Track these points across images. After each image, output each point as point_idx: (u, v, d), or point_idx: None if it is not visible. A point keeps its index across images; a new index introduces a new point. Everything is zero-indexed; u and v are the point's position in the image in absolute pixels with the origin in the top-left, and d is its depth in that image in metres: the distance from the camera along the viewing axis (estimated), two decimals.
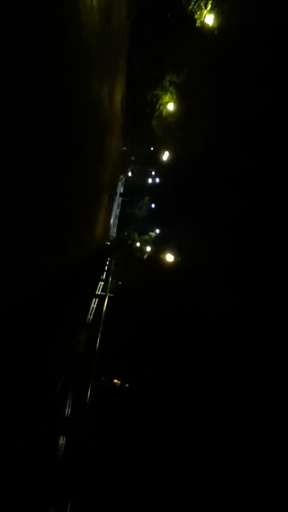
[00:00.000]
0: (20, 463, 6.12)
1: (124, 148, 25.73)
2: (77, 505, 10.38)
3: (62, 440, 10.95)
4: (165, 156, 22.84)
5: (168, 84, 17.62)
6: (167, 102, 18.22)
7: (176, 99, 18.05)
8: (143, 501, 10.70)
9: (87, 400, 13.37)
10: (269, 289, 13.92)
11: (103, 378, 17.29)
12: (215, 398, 12.92)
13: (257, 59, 13.96)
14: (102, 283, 15.92)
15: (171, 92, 17.84)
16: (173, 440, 12.37)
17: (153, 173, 29.45)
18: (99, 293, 15.17)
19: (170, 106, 18.36)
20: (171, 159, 22.53)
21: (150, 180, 30.17)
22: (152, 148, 25.32)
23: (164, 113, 18.52)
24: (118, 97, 15.90)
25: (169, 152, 22.39)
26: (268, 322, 13.94)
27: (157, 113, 18.65)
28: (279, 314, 13.62)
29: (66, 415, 11.91)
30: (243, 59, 15.04)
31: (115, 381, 17.77)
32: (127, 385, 17.65)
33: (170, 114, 18.56)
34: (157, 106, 18.34)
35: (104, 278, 16.63)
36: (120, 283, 20.50)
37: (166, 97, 18.02)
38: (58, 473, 10.24)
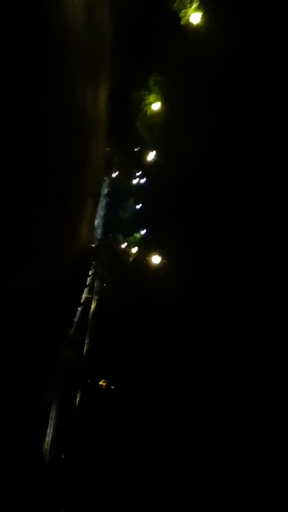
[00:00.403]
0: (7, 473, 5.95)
1: (108, 149, 25.54)
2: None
3: (47, 446, 10.73)
4: (150, 157, 22.72)
5: (152, 84, 17.49)
6: (151, 103, 18.09)
7: (161, 99, 17.94)
8: (138, 502, 10.54)
9: (76, 405, 13.17)
10: (258, 291, 13.88)
11: (89, 381, 17.08)
12: (206, 395, 12.85)
13: (243, 60, 13.94)
14: (88, 286, 15.70)
15: (155, 92, 17.72)
16: (164, 441, 12.24)
17: (137, 174, 29.29)
18: (85, 296, 14.96)
19: (155, 107, 18.23)
20: (156, 160, 22.42)
21: (135, 182, 29.99)
22: (136, 149, 25.19)
23: (148, 113, 18.39)
24: (102, 99, 15.74)
25: (154, 153, 22.28)
26: (256, 320, 13.93)
27: (141, 114, 18.51)
28: (266, 313, 13.61)
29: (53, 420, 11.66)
30: (229, 59, 14.99)
31: (101, 382, 17.58)
32: (112, 387, 17.47)
33: (154, 115, 18.43)
34: (142, 106, 18.19)
35: (89, 281, 16.42)
36: (105, 285, 20.30)
37: (151, 98, 17.89)
38: (47, 480, 10.03)
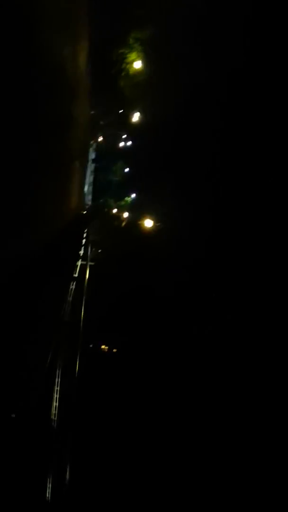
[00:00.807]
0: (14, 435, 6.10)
1: (92, 112, 24.93)
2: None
3: (55, 408, 10.98)
4: (135, 117, 22.23)
5: (133, 41, 16.89)
6: (133, 60, 17.53)
7: (143, 56, 17.39)
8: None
9: (77, 368, 13.39)
10: (251, 247, 13.94)
11: (91, 345, 17.34)
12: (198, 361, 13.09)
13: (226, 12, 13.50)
14: (82, 252, 15.69)
15: (137, 50, 17.14)
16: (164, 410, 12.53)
17: (124, 136, 28.73)
18: (80, 262, 14.98)
19: (137, 65, 17.69)
20: (141, 120, 21.97)
21: (122, 144, 29.45)
22: (121, 110, 24.61)
23: (131, 72, 17.86)
24: (82, 59, 15.22)
25: (139, 113, 21.79)
26: (241, 285, 14.05)
27: (124, 73, 17.97)
28: (251, 276, 13.72)
29: (57, 385, 11.89)
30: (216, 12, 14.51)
31: (103, 347, 17.85)
32: (114, 350, 17.74)
33: (137, 73, 17.91)
34: (124, 65, 17.64)
35: (83, 247, 16.40)
36: (100, 251, 20.31)
37: (132, 55, 17.32)
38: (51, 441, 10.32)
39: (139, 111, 21.81)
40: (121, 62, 17.67)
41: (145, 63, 17.70)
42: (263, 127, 14.22)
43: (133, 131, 24.67)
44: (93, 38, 15.22)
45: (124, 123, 24.54)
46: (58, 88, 9.19)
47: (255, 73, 13.96)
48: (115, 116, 24.69)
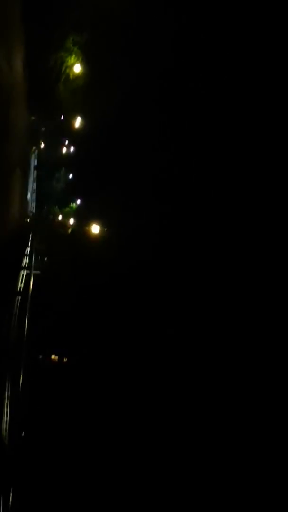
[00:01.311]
0: None
1: (33, 118, 24.36)
2: None
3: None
4: (77, 123, 21.91)
5: (71, 44, 16.61)
6: (72, 64, 17.23)
7: (82, 60, 17.14)
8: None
9: (20, 383, 12.84)
10: (198, 248, 14.03)
11: (40, 357, 16.77)
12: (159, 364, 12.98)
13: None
14: (27, 261, 15.15)
15: (75, 53, 16.87)
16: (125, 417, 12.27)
17: (66, 142, 28.33)
18: (24, 272, 14.43)
19: (77, 68, 17.40)
20: (83, 125, 21.68)
21: (64, 150, 29.02)
22: (62, 116, 24.20)
23: (71, 76, 17.55)
24: (17, 63, 14.72)
25: (81, 118, 21.50)
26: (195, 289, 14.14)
27: (63, 77, 17.63)
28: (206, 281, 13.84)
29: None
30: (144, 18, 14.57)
31: (53, 357, 17.33)
32: (65, 359, 17.26)
33: (77, 77, 17.63)
34: (63, 69, 17.30)
35: (27, 256, 15.86)
36: (45, 259, 19.80)
37: (71, 59, 17.02)
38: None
39: (80, 116, 21.53)
40: (60, 66, 17.34)
41: (84, 67, 17.48)
42: (203, 126, 14.38)
43: (75, 137, 24.34)
44: (29, 41, 14.80)
45: (65, 129, 24.15)
46: None
47: (194, 72, 14.11)
48: (56, 122, 24.26)
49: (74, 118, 22.04)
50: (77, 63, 17.32)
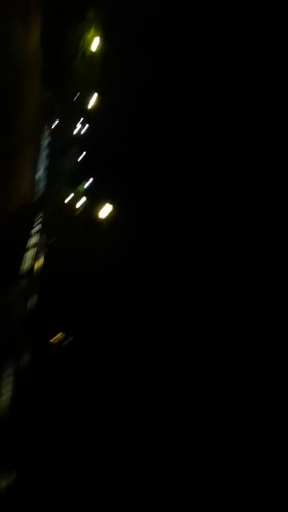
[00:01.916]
0: None
1: (47, 95, 23.95)
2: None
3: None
4: (92, 101, 21.47)
5: (91, 19, 16.10)
6: (90, 40, 16.74)
7: (101, 35, 16.65)
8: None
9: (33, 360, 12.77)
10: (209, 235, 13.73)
11: (44, 335, 16.66)
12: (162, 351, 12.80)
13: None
14: (34, 240, 14.97)
15: (94, 28, 16.38)
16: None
17: (80, 121, 27.85)
18: (31, 251, 14.26)
19: (95, 44, 16.91)
20: (98, 104, 21.25)
21: (77, 129, 28.56)
22: (77, 94, 23.77)
23: (88, 52, 17.07)
24: (33, 36, 14.33)
25: (96, 97, 21.05)
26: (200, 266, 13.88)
27: (80, 53, 17.16)
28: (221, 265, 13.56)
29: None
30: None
31: (57, 336, 17.22)
32: (70, 338, 17.09)
33: (95, 53, 17.15)
34: (80, 44, 16.83)
35: (35, 235, 15.65)
36: (53, 239, 19.59)
37: (90, 34, 16.53)
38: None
39: (95, 95, 21.08)
40: (78, 41, 16.86)
41: (103, 42, 16.98)
42: (229, 118, 14.00)
43: (89, 116, 23.91)
44: (47, 12, 14.36)
45: (79, 107, 23.72)
46: (6, 64, 8.48)
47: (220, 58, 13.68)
48: (70, 100, 23.83)
49: (89, 97, 21.60)
50: (96, 38, 16.82)
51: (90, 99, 21.70)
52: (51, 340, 17.07)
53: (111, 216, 18.79)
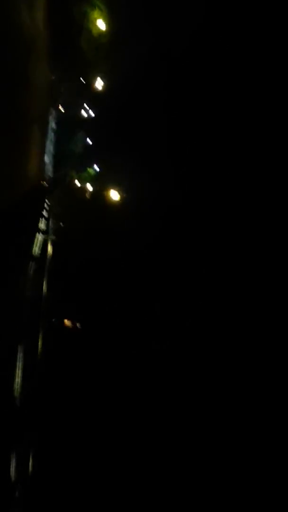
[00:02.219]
0: None
1: (53, 78, 23.60)
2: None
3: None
4: (98, 84, 21.14)
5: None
6: (96, 19, 16.38)
7: (106, 15, 16.27)
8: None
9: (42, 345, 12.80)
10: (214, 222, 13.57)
11: (53, 320, 16.69)
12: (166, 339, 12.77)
13: None
14: (43, 223, 14.89)
15: (99, 8, 16.01)
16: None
17: (86, 104, 27.49)
18: (40, 236, 14.20)
19: (101, 24, 16.55)
20: (104, 87, 20.93)
21: (83, 113, 28.22)
22: (83, 77, 23.38)
23: (94, 32, 16.72)
24: (39, 16, 14.05)
25: (102, 79, 20.71)
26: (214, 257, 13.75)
27: (86, 33, 16.81)
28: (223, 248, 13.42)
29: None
30: None
31: (66, 321, 17.27)
32: (78, 325, 17.20)
33: (101, 34, 16.79)
34: (86, 24, 16.47)
35: (43, 219, 15.57)
36: (62, 224, 19.50)
37: (95, 13, 16.17)
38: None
39: (101, 77, 20.73)
40: (84, 21, 16.50)
41: (110, 23, 16.61)
42: (233, 100, 13.76)
43: (95, 99, 23.57)
44: None
45: (86, 90, 23.35)
46: (12, 44, 8.29)
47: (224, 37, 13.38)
48: (76, 82, 23.46)
49: (95, 79, 21.25)
50: (101, 18, 16.44)
51: (95, 82, 21.37)
52: (61, 325, 17.11)
53: (119, 200, 18.65)
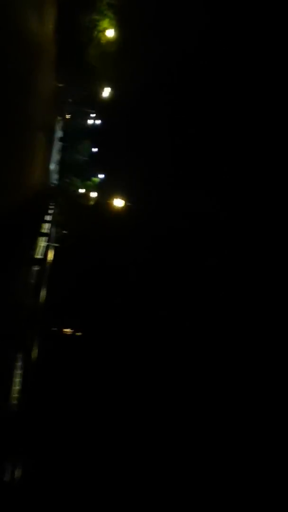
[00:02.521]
0: None
1: (60, 85, 23.71)
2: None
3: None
4: (105, 93, 21.22)
5: (105, 7, 15.82)
6: (105, 28, 16.46)
7: (115, 24, 16.36)
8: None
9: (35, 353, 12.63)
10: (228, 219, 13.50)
11: (53, 329, 16.62)
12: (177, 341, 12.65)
13: None
14: (46, 229, 14.80)
15: (109, 17, 16.09)
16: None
17: (93, 113, 27.67)
18: (44, 243, 14.10)
19: (109, 33, 16.63)
20: (111, 96, 21.01)
21: (90, 122, 28.38)
22: (90, 86, 23.49)
23: (102, 41, 16.79)
24: (49, 23, 14.10)
25: (109, 89, 20.79)
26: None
27: (94, 42, 16.89)
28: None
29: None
30: None
31: (65, 330, 17.18)
32: (78, 334, 17.10)
33: (109, 42, 16.87)
34: (95, 33, 16.55)
35: (46, 227, 15.49)
36: (65, 232, 19.49)
37: (104, 23, 16.26)
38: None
39: (109, 86, 20.81)
40: (92, 29, 16.59)
41: (117, 33, 16.70)
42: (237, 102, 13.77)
43: (102, 109, 23.69)
44: (61, 2, 14.10)
45: (93, 99, 23.46)
46: (20, 51, 8.26)
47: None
48: (83, 92, 23.59)
49: (102, 88, 21.33)
50: (110, 27, 16.53)
51: (102, 91, 21.45)
52: (60, 332, 16.98)
53: (124, 208, 18.63)
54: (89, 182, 27.45)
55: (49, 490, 9.29)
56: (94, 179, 27.47)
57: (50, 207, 17.36)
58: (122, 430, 10.64)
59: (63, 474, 9.79)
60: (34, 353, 11.95)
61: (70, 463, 10.04)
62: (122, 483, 9.42)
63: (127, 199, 18.93)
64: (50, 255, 15.32)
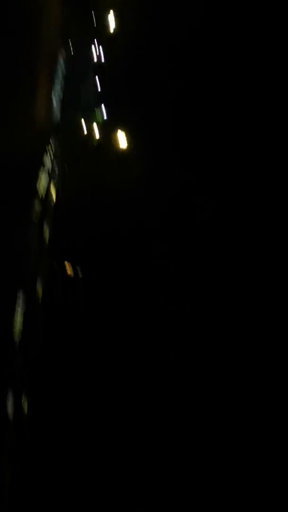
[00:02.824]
0: None
1: (64, 16, 22.54)
2: None
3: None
4: (111, 22, 20.18)
5: None
6: None
7: None
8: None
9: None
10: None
11: (55, 265, 16.55)
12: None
13: None
14: (49, 168, 14.67)
15: None
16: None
17: (97, 47, 26.43)
18: (46, 179, 14.01)
19: None
20: (117, 26, 19.99)
21: (94, 55, 27.15)
22: (96, 17, 22.38)
23: None
24: None
25: (115, 17, 19.75)
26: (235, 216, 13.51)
27: None
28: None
29: None
30: None
31: (67, 265, 17.06)
32: (79, 271, 16.94)
33: None
34: None
35: (50, 163, 15.31)
36: (66, 167, 19.20)
37: None
38: None
39: (115, 14, 19.79)
40: None
41: None
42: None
43: (107, 40, 22.56)
44: None
45: (98, 30, 22.37)
46: None
47: None
48: (89, 21, 22.42)
49: (107, 17, 20.29)
50: None
51: (108, 20, 20.42)
52: (64, 272, 17.11)
53: (128, 147, 18.20)
54: (93, 120, 26.71)
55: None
56: (98, 114, 26.71)
57: (54, 144, 17.06)
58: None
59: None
60: (39, 290, 12.15)
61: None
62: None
63: (130, 140, 18.46)
64: (53, 195, 15.19)
